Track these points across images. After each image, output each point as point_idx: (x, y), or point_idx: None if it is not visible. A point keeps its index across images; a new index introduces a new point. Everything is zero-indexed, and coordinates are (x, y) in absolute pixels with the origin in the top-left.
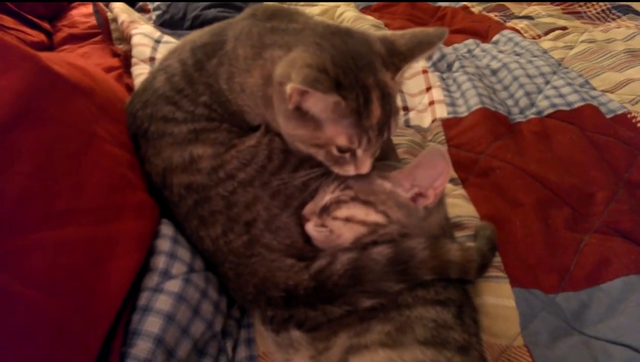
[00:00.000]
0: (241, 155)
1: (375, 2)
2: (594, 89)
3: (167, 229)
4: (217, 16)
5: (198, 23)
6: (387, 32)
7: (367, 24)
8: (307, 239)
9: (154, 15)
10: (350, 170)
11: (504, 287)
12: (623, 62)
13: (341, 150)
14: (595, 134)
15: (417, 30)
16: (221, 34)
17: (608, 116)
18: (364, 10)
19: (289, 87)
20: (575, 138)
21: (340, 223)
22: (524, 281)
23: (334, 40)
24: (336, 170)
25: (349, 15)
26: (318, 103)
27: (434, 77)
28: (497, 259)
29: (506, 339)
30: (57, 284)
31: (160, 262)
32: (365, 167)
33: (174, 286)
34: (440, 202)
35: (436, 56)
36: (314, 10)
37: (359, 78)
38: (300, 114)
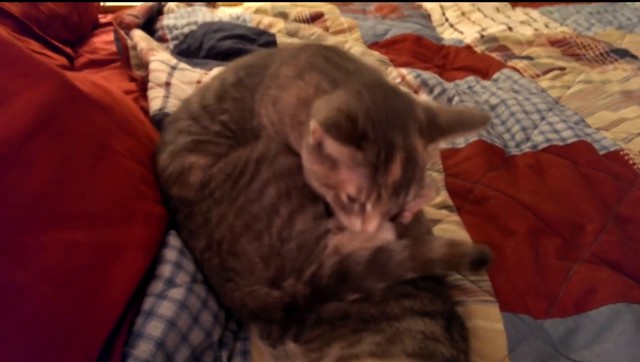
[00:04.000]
0: (226, 167)
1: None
2: (589, 126)
3: (174, 240)
4: (232, 47)
5: (213, 53)
6: (434, 103)
7: (373, 59)
8: (268, 270)
9: (171, 44)
10: (357, 224)
11: (494, 311)
12: (618, 102)
13: (350, 198)
14: (587, 168)
15: (464, 109)
16: (268, 57)
17: (601, 153)
18: (371, 46)
19: (312, 123)
20: (568, 172)
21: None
22: (513, 306)
23: (377, 93)
24: (342, 218)
25: (355, 51)
26: (334, 146)
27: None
28: (488, 284)
29: (493, 361)
30: (66, 281)
31: (166, 270)
32: (372, 225)
33: (177, 293)
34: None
35: (437, 90)
36: (327, 41)
37: (387, 135)
38: (320, 151)
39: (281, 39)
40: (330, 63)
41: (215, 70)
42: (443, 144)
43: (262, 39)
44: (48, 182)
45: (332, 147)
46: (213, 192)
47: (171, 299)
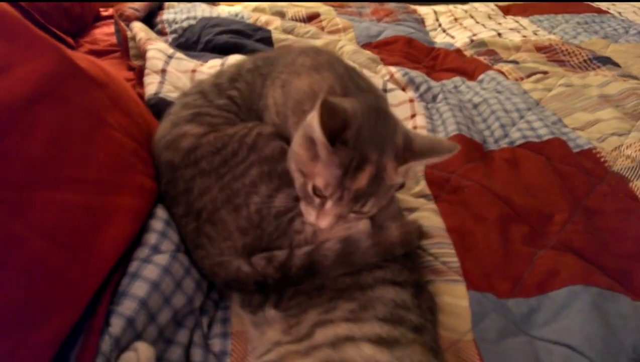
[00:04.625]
0: (216, 141)
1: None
2: (566, 126)
3: (161, 212)
4: (228, 41)
5: (210, 47)
6: (412, 131)
7: (364, 57)
8: (244, 238)
9: (170, 38)
10: (311, 216)
11: (460, 289)
12: (595, 105)
13: (315, 191)
14: (560, 164)
15: (436, 138)
16: (287, 51)
17: (575, 150)
18: (364, 47)
19: (318, 104)
20: (541, 166)
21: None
22: (480, 286)
23: (373, 114)
24: (302, 207)
25: (348, 49)
26: (319, 137)
27: (419, 106)
28: (457, 265)
29: (457, 333)
30: (61, 237)
31: (152, 238)
32: (324, 221)
33: (162, 259)
34: None
35: (423, 88)
36: (317, 42)
37: (365, 149)
38: (311, 141)
39: (277, 36)
40: (347, 73)
41: (212, 62)
42: (420, 166)
43: (258, 34)
44: (47, 145)
45: (318, 140)
46: (198, 160)
47: (156, 263)
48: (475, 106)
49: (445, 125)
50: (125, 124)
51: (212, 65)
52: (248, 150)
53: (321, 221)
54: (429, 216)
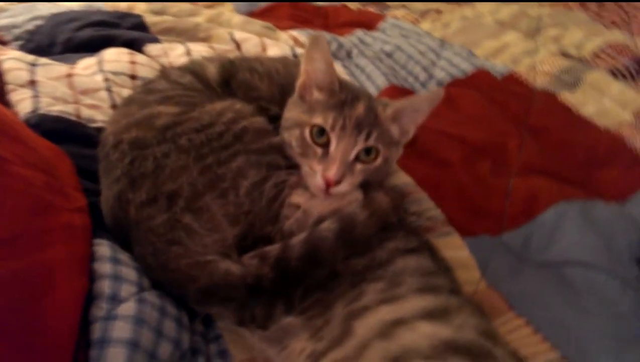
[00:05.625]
0: (201, 117)
1: (265, 2)
2: (478, 57)
3: (103, 249)
4: (94, 35)
5: (73, 46)
6: None
7: (258, 27)
8: (235, 228)
9: (15, 46)
10: (317, 171)
11: (455, 239)
12: (495, 32)
13: (315, 137)
14: (491, 93)
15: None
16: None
17: (498, 78)
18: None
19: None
20: (477, 99)
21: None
22: (471, 230)
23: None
24: (305, 169)
25: (237, 21)
26: (318, 77)
27: (336, 65)
28: (442, 216)
29: (471, 284)
30: None
31: (104, 286)
32: (332, 169)
33: (127, 309)
34: None
35: (334, 46)
36: (198, 19)
37: (353, 92)
38: (302, 102)
39: (150, 19)
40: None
41: (84, 62)
42: (408, 116)
43: (127, 22)
44: None
45: (317, 81)
46: (177, 136)
47: (123, 317)
48: (389, 55)
49: (371, 79)
50: (22, 153)
51: (87, 66)
52: (234, 138)
53: (329, 169)
54: (396, 175)
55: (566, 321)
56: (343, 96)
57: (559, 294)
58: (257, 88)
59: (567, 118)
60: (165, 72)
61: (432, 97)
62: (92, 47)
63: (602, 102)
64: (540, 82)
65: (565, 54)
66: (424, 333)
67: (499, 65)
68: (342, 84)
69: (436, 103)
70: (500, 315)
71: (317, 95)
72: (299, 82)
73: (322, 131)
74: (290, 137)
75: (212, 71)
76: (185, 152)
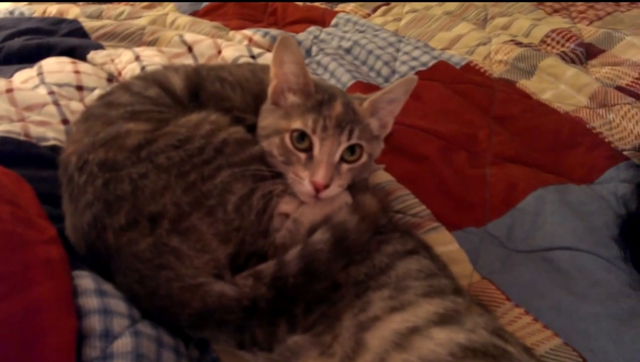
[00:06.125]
0: (177, 131)
1: (207, 2)
2: (434, 49)
3: (86, 282)
4: (27, 45)
5: (2, 57)
6: None
7: (208, 27)
8: (227, 247)
9: None
10: (304, 178)
11: (444, 234)
12: (447, 23)
13: (296, 143)
14: (454, 84)
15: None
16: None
17: (457, 69)
18: (192, 15)
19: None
20: (441, 91)
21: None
22: (456, 223)
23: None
24: (289, 174)
25: (183, 21)
26: (291, 80)
27: None
28: (427, 211)
29: (465, 278)
30: None
31: (94, 322)
32: (320, 173)
33: (124, 345)
34: None
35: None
36: (140, 21)
37: (328, 91)
38: (276, 108)
39: (89, 24)
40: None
41: (21, 75)
42: (385, 109)
43: (64, 28)
44: None
45: (290, 89)
46: (154, 155)
47: (121, 354)
48: (348, 51)
49: (335, 76)
50: None
51: (26, 79)
52: (215, 151)
53: (316, 174)
54: (376, 174)
55: (563, 306)
56: (319, 96)
57: (551, 281)
58: (230, 98)
59: (528, 105)
60: (125, 84)
61: (406, 84)
62: (25, 57)
63: (559, 87)
64: (497, 70)
65: (517, 42)
66: (440, 340)
67: (455, 56)
68: (315, 84)
69: (411, 89)
70: (499, 306)
71: (292, 98)
72: (270, 88)
73: (302, 135)
74: (270, 145)
75: (177, 82)
76: (165, 171)
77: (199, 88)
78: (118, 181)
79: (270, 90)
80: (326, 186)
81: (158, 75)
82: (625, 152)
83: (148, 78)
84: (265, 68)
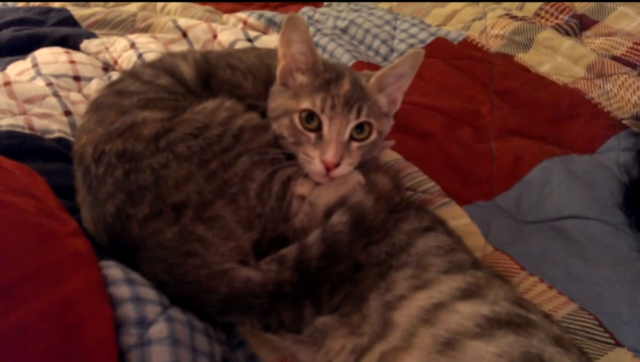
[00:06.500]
0: (194, 119)
1: None
2: (430, 26)
3: (115, 272)
4: (16, 36)
5: None
6: None
7: (201, 11)
8: (250, 233)
9: None
10: (315, 158)
11: (455, 209)
12: None
13: (305, 123)
14: (454, 60)
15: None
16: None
17: (455, 44)
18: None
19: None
20: (442, 68)
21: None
22: (465, 197)
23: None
24: (300, 154)
25: (174, 6)
26: (299, 60)
27: None
28: (437, 187)
29: (479, 250)
30: None
31: (128, 310)
32: (330, 152)
33: (160, 331)
34: None
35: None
36: (130, 7)
37: (336, 69)
38: (285, 88)
39: (78, 12)
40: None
41: (15, 67)
42: (393, 85)
43: (53, 17)
44: None
45: (298, 69)
46: (173, 145)
47: (157, 340)
48: (344, 31)
49: (335, 57)
50: (3, 178)
51: (21, 71)
52: (233, 138)
53: (326, 153)
54: (383, 152)
55: (575, 272)
56: (327, 75)
57: (562, 249)
58: (242, 86)
59: (527, 78)
60: (133, 72)
61: (412, 58)
62: (15, 49)
63: (556, 59)
64: (494, 45)
65: (512, 16)
66: (466, 313)
67: (452, 32)
68: (323, 62)
69: (418, 63)
70: (514, 275)
71: (300, 78)
72: (279, 69)
73: (311, 115)
74: (280, 127)
75: (187, 71)
76: (187, 160)
77: (210, 76)
78: (139, 171)
79: (278, 71)
80: (337, 165)
81: (167, 64)
82: (624, 121)
83: (157, 66)
84: (270, 53)
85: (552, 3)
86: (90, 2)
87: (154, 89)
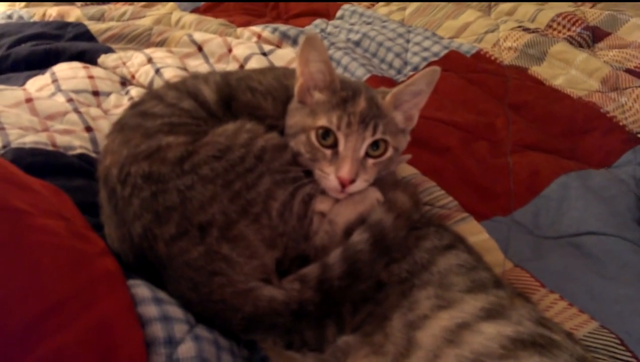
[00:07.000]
0: (217, 140)
1: (204, 2)
2: (442, 38)
3: (142, 291)
4: (35, 50)
5: (9, 64)
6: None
7: (215, 24)
8: (274, 251)
9: None
10: (330, 174)
11: (473, 224)
12: (453, 11)
13: (322, 140)
14: (467, 73)
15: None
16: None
17: (468, 57)
18: (193, 13)
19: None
20: (455, 81)
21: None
22: (483, 213)
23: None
24: (318, 174)
25: (189, 19)
26: (317, 64)
27: None
28: (455, 202)
29: (498, 267)
30: None
31: (157, 330)
32: (345, 168)
33: (188, 350)
34: None
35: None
36: (145, 21)
37: (352, 87)
38: (303, 106)
39: (96, 27)
40: None
41: (35, 82)
42: (409, 103)
43: (70, 32)
44: None
45: (315, 87)
46: (197, 167)
47: (186, 359)
48: (357, 44)
49: (349, 71)
50: (34, 201)
51: (41, 87)
52: (256, 159)
53: (341, 169)
54: (400, 167)
55: (595, 290)
56: (344, 93)
57: (582, 265)
58: (263, 107)
59: (541, 91)
60: (157, 93)
61: (428, 75)
62: (33, 63)
63: (570, 72)
64: (507, 58)
65: (524, 28)
66: (490, 334)
67: (465, 45)
68: (340, 80)
69: (435, 81)
70: (534, 293)
71: (318, 96)
72: (296, 87)
73: (328, 132)
74: (297, 144)
75: (209, 94)
76: (211, 182)
77: (231, 98)
78: (166, 193)
79: (296, 89)
80: (352, 181)
81: (190, 87)
82: (639, 135)
83: (181, 89)
84: (287, 74)
85: (565, 14)
86: (105, 15)
87: (177, 112)
